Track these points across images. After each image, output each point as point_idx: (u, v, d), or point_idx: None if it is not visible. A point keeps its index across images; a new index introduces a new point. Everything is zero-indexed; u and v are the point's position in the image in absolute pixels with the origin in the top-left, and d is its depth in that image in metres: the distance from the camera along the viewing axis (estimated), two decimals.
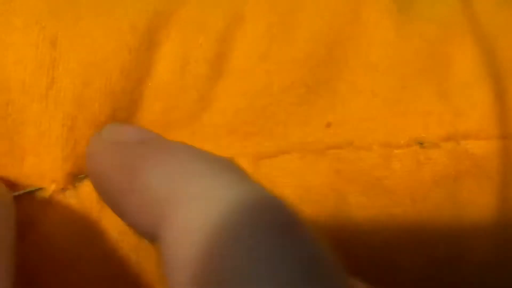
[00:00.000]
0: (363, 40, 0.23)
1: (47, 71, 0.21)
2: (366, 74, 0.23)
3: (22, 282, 0.21)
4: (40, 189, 0.21)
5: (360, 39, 0.23)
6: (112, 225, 0.21)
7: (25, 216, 0.21)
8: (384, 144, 0.22)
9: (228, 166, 0.17)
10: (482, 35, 0.23)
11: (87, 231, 0.21)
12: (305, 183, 0.22)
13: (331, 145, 0.22)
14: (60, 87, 0.21)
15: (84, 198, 0.21)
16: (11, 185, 0.21)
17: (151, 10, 0.21)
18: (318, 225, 0.22)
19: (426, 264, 0.23)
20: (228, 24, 0.22)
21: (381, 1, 0.24)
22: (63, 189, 0.21)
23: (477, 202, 0.22)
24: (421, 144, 0.22)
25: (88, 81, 0.21)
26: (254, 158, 0.22)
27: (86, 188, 0.21)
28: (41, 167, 0.21)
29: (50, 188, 0.21)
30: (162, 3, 0.22)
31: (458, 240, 0.23)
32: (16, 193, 0.21)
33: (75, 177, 0.21)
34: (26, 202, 0.21)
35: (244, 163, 0.22)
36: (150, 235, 0.17)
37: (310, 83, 0.22)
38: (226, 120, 0.22)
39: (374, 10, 0.23)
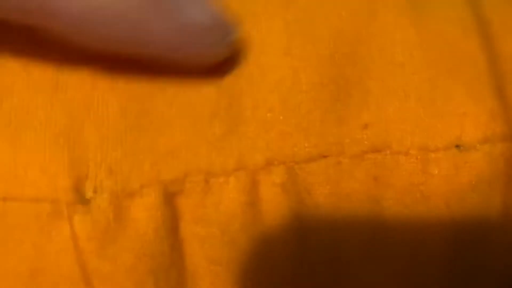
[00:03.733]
0: (386, 39, 0.22)
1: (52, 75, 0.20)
2: (395, 74, 0.21)
3: None
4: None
5: (382, 38, 0.22)
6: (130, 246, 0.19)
7: None
8: (422, 148, 0.21)
9: None
10: (491, 35, 0.23)
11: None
12: (340, 190, 0.21)
13: (369, 148, 0.21)
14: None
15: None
16: None
17: None
18: (351, 234, 0.21)
19: (450, 273, 0.22)
20: (240, 21, 0.21)
21: (395, 0, 0.23)
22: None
23: (510, 208, 0.22)
24: (458, 147, 0.21)
25: (94, 84, 0.20)
26: (290, 163, 0.20)
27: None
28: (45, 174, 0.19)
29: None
30: None
31: (486, 248, 0.22)
32: None
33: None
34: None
35: (281, 171, 0.20)
36: None
37: (340, 81, 0.21)
38: (260, 116, 0.20)
39: (390, 9, 0.22)
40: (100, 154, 0.19)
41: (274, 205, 0.20)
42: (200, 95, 0.20)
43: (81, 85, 0.20)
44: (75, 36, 0.18)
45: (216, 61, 0.20)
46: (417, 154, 0.21)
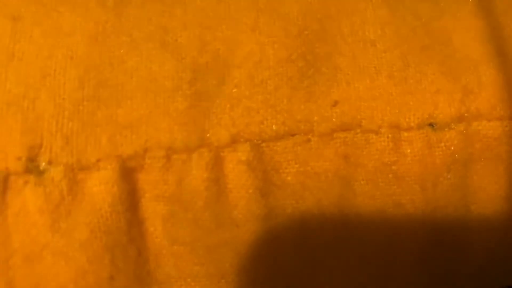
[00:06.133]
0: (357, 17, 0.21)
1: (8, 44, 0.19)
2: (366, 51, 0.21)
3: None
4: None
5: (353, 16, 0.21)
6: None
7: None
8: (394, 126, 0.20)
9: None
10: (485, 9, 0.22)
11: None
12: (309, 169, 0.20)
13: (338, 126, 0.20)
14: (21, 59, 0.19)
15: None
16: None
17: None
18: (320, 214, 0.20)
19: (429, 256, 0.21)
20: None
21: None
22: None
23: (486, 189, 0.21)
24: (432, 125, 0.20)
25: (51, 53, 0.19)
26: (257, 140, 0.19)
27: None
28: None
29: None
30: None
31: (465, 231, 0.21)
32: None
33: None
34: None
35: (247, 148, 0.19)
36: None
37: (309, 57, 0.21)
38: (226, 92, 0.20)
39: None
40: (56, 124, 0.18)
41: (239, 182, 0.19)
42: (162, 68, 0.20)
43: (38, 54, 0.19)
44: None
45: None
46: (389, 132, 0.20)
